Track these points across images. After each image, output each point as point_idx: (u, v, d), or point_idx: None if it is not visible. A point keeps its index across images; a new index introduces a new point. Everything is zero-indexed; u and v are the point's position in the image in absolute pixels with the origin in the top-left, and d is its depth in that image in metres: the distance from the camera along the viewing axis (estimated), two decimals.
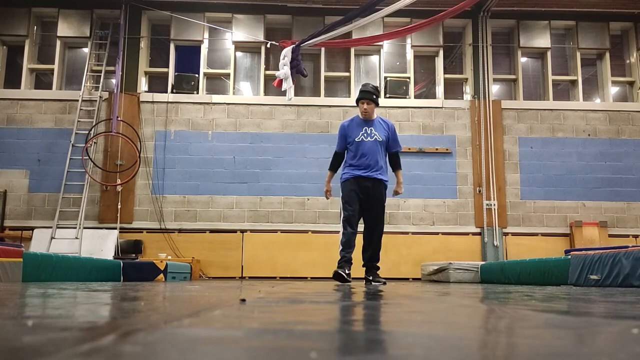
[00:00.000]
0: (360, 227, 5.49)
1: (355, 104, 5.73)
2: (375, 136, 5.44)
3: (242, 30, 9.90)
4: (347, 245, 5.29)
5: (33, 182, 9.08)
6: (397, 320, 1.33)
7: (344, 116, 9.35)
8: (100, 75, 9.39)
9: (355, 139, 5.43)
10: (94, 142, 9.14)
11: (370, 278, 5.42)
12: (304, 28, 9.52)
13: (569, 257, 5.29)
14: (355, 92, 9.93)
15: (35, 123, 9.27)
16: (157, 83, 10.02)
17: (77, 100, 9.21)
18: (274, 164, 9.31)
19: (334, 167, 5.69)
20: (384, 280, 5.46)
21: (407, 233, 9.17)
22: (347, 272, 5.18)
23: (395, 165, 5.60)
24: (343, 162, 5.61)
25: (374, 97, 5.46)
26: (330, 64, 10.15)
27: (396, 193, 5.59)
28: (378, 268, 5.53)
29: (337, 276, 5.13)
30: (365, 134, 5.44)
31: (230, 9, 9.80)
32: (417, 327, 1.14)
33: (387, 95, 9.65)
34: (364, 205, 5.40)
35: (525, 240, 9.22)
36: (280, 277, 8.82)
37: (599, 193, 9.40)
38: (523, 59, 10.33)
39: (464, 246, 9.19)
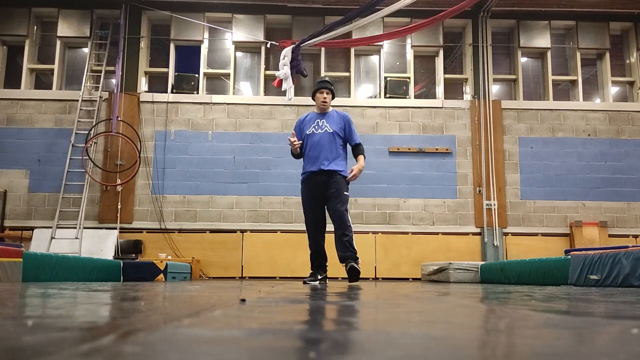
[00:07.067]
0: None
1: (312, 99, 5.68)
2: (326, 128, 5.35)
3: (242, 30, 9.90)
4: (312, 249, 5.45)
5: (33, 182, 9.08)
6: (396, 320, 1.33)
7: None
8: (100, 75, 9.39)
9: (307, 133, 5.39)
10: (94, 142, 9.14)
11: (348, 267, 5.11)
12: (304, 28, 9.52)
13: (569, 257, 5.29)
14: (355, 92, 9.93)
15: (35, 123, 9.27)
16: (157, 83, 10.02)
17: (77, 100, 9.21)
18: (274, 164, 9.31)
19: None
20: (358, 268, 5.09)
21: (407, 233, 9.17)
22: (319, 277, 5.34)
23: (356, 153, 5.38)
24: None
25: (332, 88, 5.52)
26: (330, 64, 10.15)
27: (350, 172, 5.21)
28: (356, 258, 5.16)
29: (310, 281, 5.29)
30: (316, 127, 5.39)
31: (230, 9, 9.80)
32: (417, 327, 1.14)
33: (387, 95, 9.65)
34: (325, 200, 5.25)
35: (525, 240, 9.21)
36: (280, 277, 8.81)
37: (599, 193, 9.40)
38: (523, 59, 10.33)
39: (464, 246, 9.19)
